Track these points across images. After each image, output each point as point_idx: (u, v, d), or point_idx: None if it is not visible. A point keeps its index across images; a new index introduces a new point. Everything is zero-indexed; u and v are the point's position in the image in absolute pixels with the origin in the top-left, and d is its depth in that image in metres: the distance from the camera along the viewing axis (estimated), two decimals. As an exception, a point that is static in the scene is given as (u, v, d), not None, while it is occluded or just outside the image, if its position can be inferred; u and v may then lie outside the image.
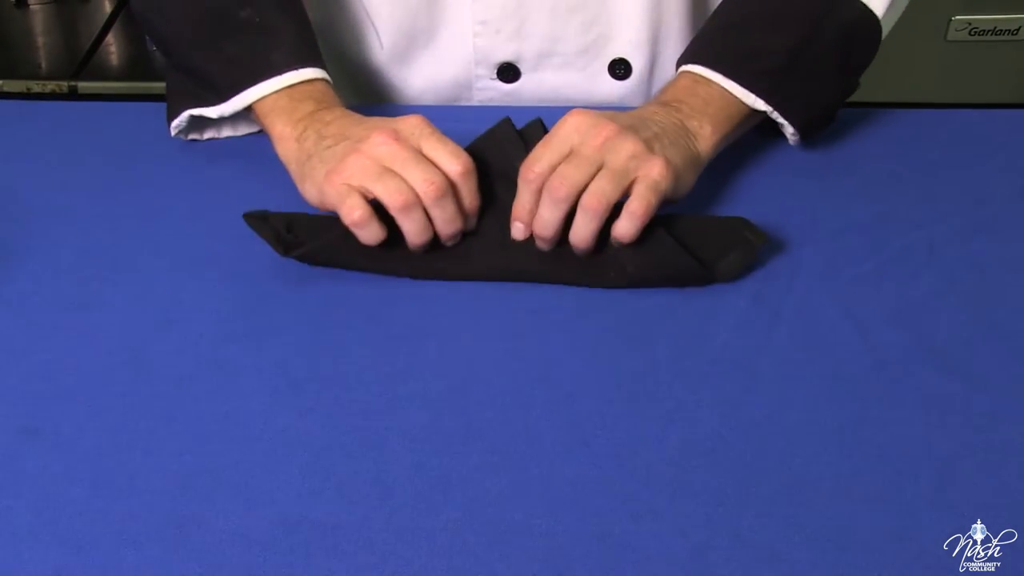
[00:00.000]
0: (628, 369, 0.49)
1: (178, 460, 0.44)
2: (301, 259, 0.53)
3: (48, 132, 0.65)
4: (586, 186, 0.50)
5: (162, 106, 0.66)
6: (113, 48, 1.36)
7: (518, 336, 0.50)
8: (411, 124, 0.52)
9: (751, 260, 0.53)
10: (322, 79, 0.58)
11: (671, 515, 0.42)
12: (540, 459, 0.44)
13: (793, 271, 0.54)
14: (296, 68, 0.57)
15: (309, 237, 0.53)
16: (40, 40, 1.36)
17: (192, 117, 0.61)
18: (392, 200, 0.50)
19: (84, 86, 1.28)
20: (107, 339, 0.50)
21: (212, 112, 0.59)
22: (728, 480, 0.43)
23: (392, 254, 0.52)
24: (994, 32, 1.38)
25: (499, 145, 0.55)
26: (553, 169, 0.51)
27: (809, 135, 0.61)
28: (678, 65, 0.61)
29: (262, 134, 0.62)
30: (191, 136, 0.63)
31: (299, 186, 0.55)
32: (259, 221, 0.53)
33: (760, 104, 0.57)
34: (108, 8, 1.42)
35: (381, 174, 0.50)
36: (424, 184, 0.50)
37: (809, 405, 0.47)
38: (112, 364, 0.49)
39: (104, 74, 1.30)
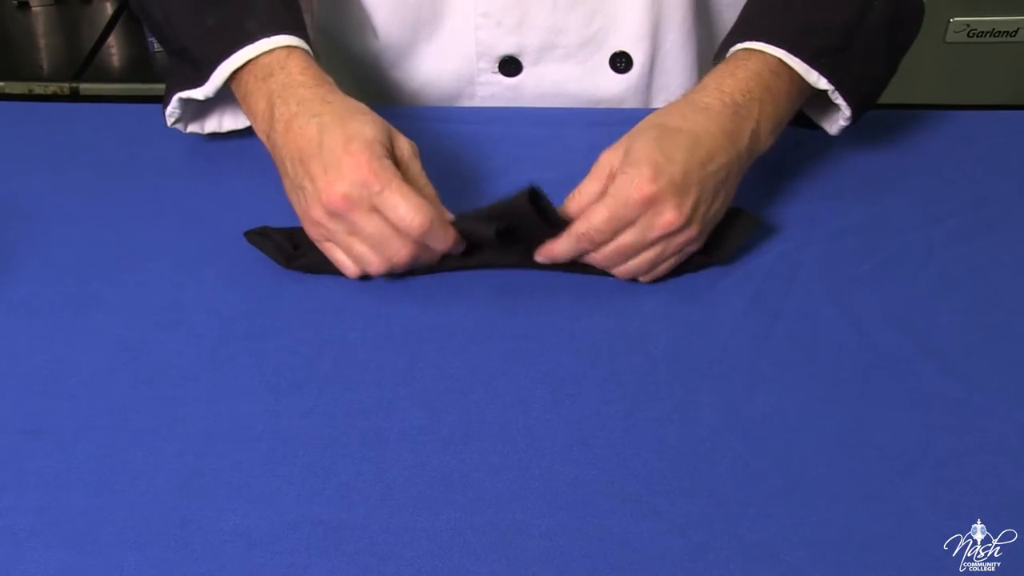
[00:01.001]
0: (627, 369, 0.49)
1: (180, 460, 0.44)
2: (302, 269, 0.53)
3: (50, 134, 0.65)
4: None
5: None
6: (114, 50, 1.36)
7: (517, 337, 0.50)
8: (353, 178, 0.48)
9: (745, 239, 0.54)
10: (295, 44, 0.55)
11: (670, 515, 0.42)
12: (540, 459, 0.44)
13: (792, 272, 0.54)
14: (269, 34, 0.54)
15: (309, 249, 0.53)
16: (42, 42, 1.36)
17: (188, 106, 0.59)
18: (348, 273, 0.52)
19: (86, 88, 1.28)
20: (109, 340, 0.50)
21: (198, 93, 0.56)
22: (727, 480, 0.43)
23: None
24: (992, 34, 1.38)
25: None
26: (600, 231, 0.50)
27: (857, 120, 0.58)
28: (729, 43, 0.57)
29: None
30: (191, 129, 0.61)
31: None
32: (259, 238, 0.53)
33: (823, 83, 0.55)
34: (110, 10, 1.42)
35: (332, 250, 0.52)
36: (375, 264, 0.51)
37: (808, 405, 0.47)
38: (114, 365, 0.49)
39: (106, 76, 1.30)
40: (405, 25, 0.68)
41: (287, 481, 0.43)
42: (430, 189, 0.51)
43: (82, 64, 1.31)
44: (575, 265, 0.53)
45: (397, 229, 0.49)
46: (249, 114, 0.56)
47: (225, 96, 0.58)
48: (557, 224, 0.50)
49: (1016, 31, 1.38)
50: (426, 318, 0.51)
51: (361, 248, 0.50)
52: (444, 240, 0.50)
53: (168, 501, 0.43)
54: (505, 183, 0.57)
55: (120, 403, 0.47)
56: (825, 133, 0.61)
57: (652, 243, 0.50)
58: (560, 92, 0.69)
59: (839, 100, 0.56)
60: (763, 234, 0.56)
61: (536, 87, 0.69)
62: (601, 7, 0.66)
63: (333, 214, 0.49)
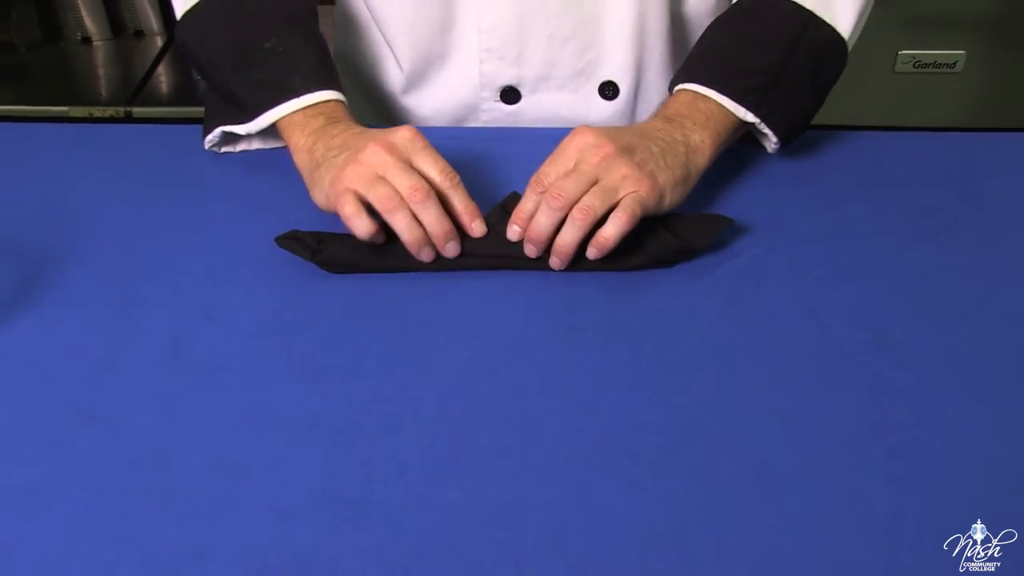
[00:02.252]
0: (617, 361, 0.48)
1: (216, 442, 0.44)
2: (327, 263, 0.53)
3: (107, 151, 0.65)
4: (579, 199, 0.50)
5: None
6: (163, 78, 1.36)
7: (519, 332, 0.50)
8: (404, 138, 0.52)
9: (717, 236, 0.54)
10: (336, 99, 0.58)
11: (654, 489, 0.42)
12: (538, 440, 0.44)
13: (762, 274, 0.53)
14: (313, 91, 0.57)
15: (331, 243, 0.53)
16: (101, 72, 1.37)
17: (224, 133, 0.61)
18: (380, 203, 0.50)
19: (138, 111, 1.28)
20: (153, 334, 0.50)
21: (241, 129, 0.59)
22: (705, 459, 0.43)
23: (400, 255, 0.52)
24: (935, 65, 1.39)
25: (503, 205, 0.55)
26: (547, 173, 0.52)
27: (787, 144, 0.61)
28: (673, 84, 0.60)
29: (287, 149, 0.62)
30: (224, 149, 0.63)
31: (310, 192, 0.55)
32: (288, 240, 0.53)
33: (750, 116, 0.57)
34: (159, 44, 1.42)
35: (373, 180, 0.50)
36: (408, 190, 0.50)
37: (776, 392, 0.46)
38: (157, 356, 0.48)
39: (155, 101, 1.30)
40: (418, 59, 0.68)
41: (312, 460, 0.43)
42: (472, 207, 0.53)
43: (135, 90, 1.31)
44: (572, 264, 0.53)
45: (427, 184, 0.50)
46: (291, 143, 0.57)
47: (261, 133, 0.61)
48: None
49: (955, 63, 1.39)
50: (436, 315, 0.51)
51: (382, 188, 0.50)
52: (461, 201, 0.52)
53: (205, 478, 0.42)
54: (505, 192, 0.57)
55: (163, 390, 0.46)
56: (791, 150, 0.61)
57: (588, 176, 0.50)
58: (554, 117, 0.69)
59: (766, 130, 0.58)
60: (736, 240, 0.56)
61: (533, 113, 0.69)
62: (591, 43, 0.66)
63: (374, 154, 0.50)
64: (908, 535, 0.39)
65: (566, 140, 0.52)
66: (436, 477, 0.42)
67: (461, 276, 0.53)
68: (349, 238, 0.53)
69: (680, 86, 0.59)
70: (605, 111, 0.69)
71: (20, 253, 0.55)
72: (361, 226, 0.50)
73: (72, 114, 1.27)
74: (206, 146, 0.62)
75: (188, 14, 0.61)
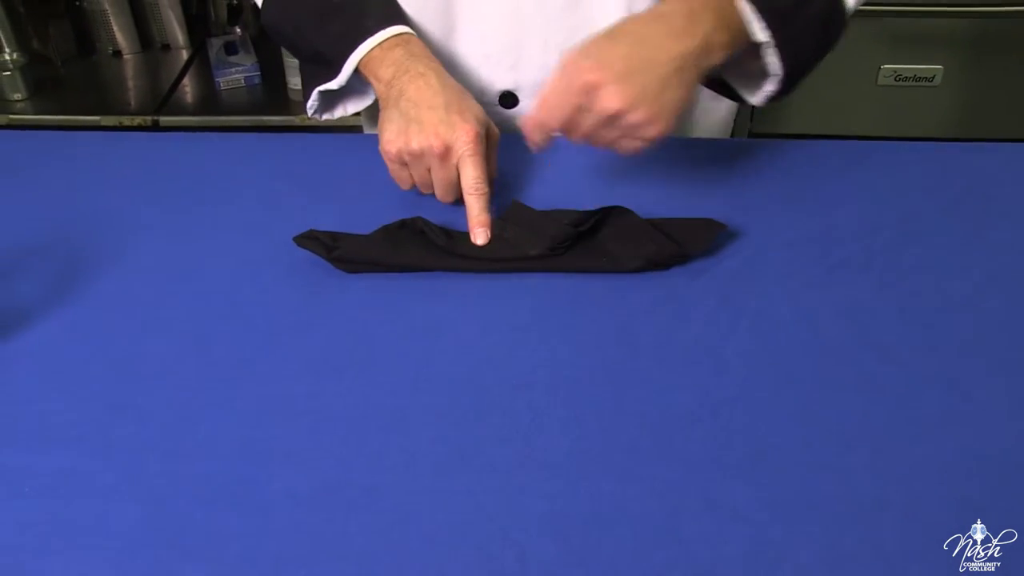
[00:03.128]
0: (615, 357, 0.48)
1: (238, 431, 0.44)
2: (341, 260, 0.52)
3: (135, 158, 0.65)
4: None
5: (227, 136, 0.66)
6: (188, 89, 1.36)
7: (522, 328, 0.50)
8: (461, 140, 0.52)
9: (712, 241, 0.53)
10: (408, 32, 0.57)
11: (650, 480, 0.41)
12: (540, 433, 0.44)
13: (754, 274, 0.53)
14: (385, 27, 0.57)
15: (344, 242, 0.52)
16: (130, 83, 1.37)
17: (321, 95, 0.61)
18: (416, 181, 0.55)
19: (165, 120, 1.28)
20: (179, 330, 0.50)
21: (333, 84, 0.58)
22: (699, 451, 0.43)
23: (411, 254, 0.52)
24: (915, 79, 1.39)
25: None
26: (551, 113, 0.50)
27: (784, 93, 0.54)
28: None
29: (311, 166, 0.61)
30: (325, 116, 0.63)
31: (379, 124, 0.56)
32: (306, 240, 0.53)
33: (763, 36, 0.50)
34: (185, 57, 1.42)
35: (417, 160, 0.54)
36: (437, 185, 0.54)
37: (767, 387, 0.46)
38: (184, 351, 0.48)
39: (181, 110, 1.30)
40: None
41: (327, 450, 0.43)
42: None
43: (162, 101, 1.31)
44: (574, 263, 0.52)
45: (459, 185, 0.53)
46: (373, 79, 0.57)
47: (350, 89, 0.61)
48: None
49: (933, 77, 1.39)
50: (444, 314, 0.51)
51: (424, 178, 0.54)
52: (478, 214, 0.53)
53: (228, 465, 0.42)
54: (506, 197, 0.57)
55: (188, 383, 0.46)
56: (781, 159, 0.60)
57: (605, 124, 0.49)
58: None
59: (773, 58, 0.51)
60: (730, 243, 0.55)
61: None
62: None
63: (422, 154, 0.53)
64: (908, 535, 0.38)
65: (565, 71, 0.49)
66: (444, 466, 0.42)
67: (468, 278, 0.53)
68: (363, 238, 0.53)
69: None
70: None
71: (55, 254, 0.55)
72: (403, 184, 0.55)
73: (103, 123, 1.27)
74: (308, 113, 0.62)
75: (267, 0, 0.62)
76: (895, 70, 1.38)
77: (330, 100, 0.63)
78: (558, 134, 0.52)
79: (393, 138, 0.54)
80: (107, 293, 0.52)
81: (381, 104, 0.57)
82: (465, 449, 0.43)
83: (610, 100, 0.47)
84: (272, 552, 0.39)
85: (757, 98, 0.56)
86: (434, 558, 0.38)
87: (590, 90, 0.48)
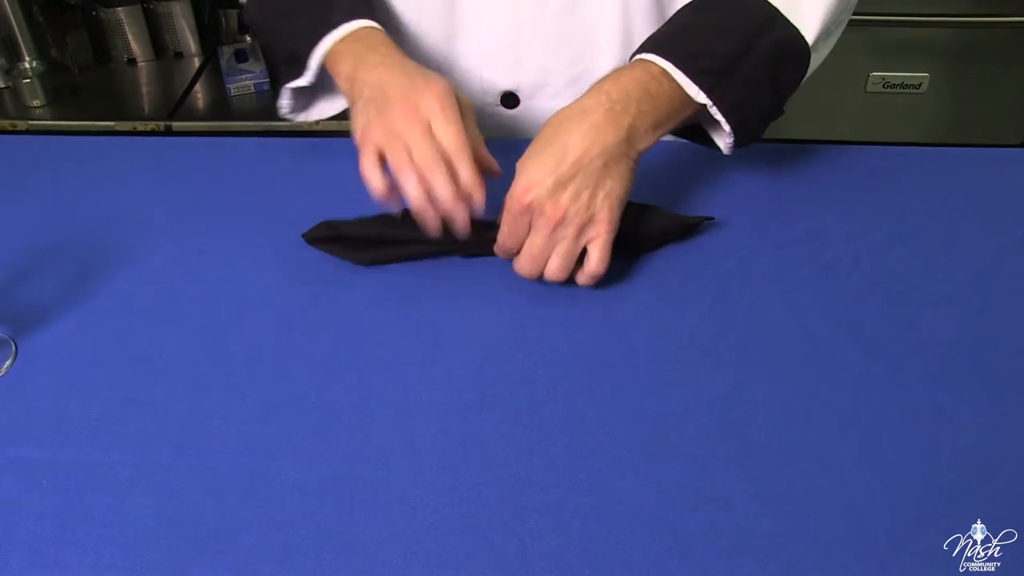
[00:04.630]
0: (613, 354, 0.48)
1: (247, 426, 0.44)
2: (351, 239, 0.52)
3: (149, 162, 0.64)
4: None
5: (237, 140, 0.65)
6: (200, 95, 1.36)
7: (523, 327, 0.49)
8: (429, 104, 0.48)
9: (692, 226, 0.54)
10: (371, 27, 0.55)
11: (647, 473, 0.41)
12: (541, 427, 0.43)
13: (747, 275, 0.53)
14: (349, 20, 0.54)
15: (356, 226, 0.52)
16: (144, 89, 1.37)
17: (295, 94, 0.59)
18: (393, 164, 0.48)
19: (177, 125, 1.28)
20: (191, 327, 0.49)
21: (302, 81, 0.56)
22: (693, 445, 0.42)
23: (417, 234, 0.51)
24: (902, 86, 1.39)
25: None
26: (508, 240, 0.50)
27: (741, 143, 0.54)
28: (633, 55, 0.54)
29: (318, 169, 0.61)
30: (300, 118, 0.61)
31: (351, 121, 0.53)
32: (314, 228, 0.53)
33: (702, 97, 0.51)
34: (197, 63, 1.42)
35: (392, 140, 0.49)
36: (419, 157, 0.48)
37: (759, 383, 0.46)
38: (195, 347, 0.48)
39: (193, 116, 1.30)
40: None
41: (334, 444, 0.43)
42: (477, 135, 0.50)
43: (174, 107, 1.31)
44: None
45: (442, 152, 0.48)
46: (336, 75, 0.55)
47: (322, 88, 0.58)
48: None
49: (920, 84, 1.39)
50: (447, 312, 0.51)
51: (397, 153, 0.48)
52: (466, 169, 0.48)
53: (238, 458, 0.42)
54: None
55: (199, 378, 0.46)
56: (773, 162, 0.60)
57: (553, 238, 0.48)
58: None
59: (718, 116, 0.52)
60: (723, 244, 0.55)
61: (531, 117, 0.68)
62: (583, 53, 0.65)
63: (399, 117, 0.48)
64: (907, 534, 0.38)
65: (507, 201, 0.48)
66: (447, 460, 0.42)
67: (470, 277, 0.53)
68: (369, 219, 0.52)
69: (638, 56, 0.53)
70: None
71: (71, 254, 0.55)
72: (374, 182, 0.48)
73: (118, 128, 1.27)
74: (281, 112, 0.60)
75: None
76: (883, 77, 1.38)
77: (305, 100, 0.61)
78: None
79: (362, 125, 0.50)
80: (121, 292, 0.52)
81: (348, 102, 0.53)
82: (468, 443, 0.43)
83: (550, 213, 0.48)
84: (281, 542, 0.38)
85: (723, 145, 0.56)
86: (437, 549, 0.38)
87: (530, 211, 0.48)
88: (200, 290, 0.52)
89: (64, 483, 0.41)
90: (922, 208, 0.59)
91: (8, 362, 0.48)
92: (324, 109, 0.62)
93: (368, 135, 0.50)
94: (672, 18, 0.57)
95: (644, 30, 0.64)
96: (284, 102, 0.59)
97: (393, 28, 0.67)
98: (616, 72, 0.52)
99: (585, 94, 0.51)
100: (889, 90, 1.39)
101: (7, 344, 0.48)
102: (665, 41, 0.54)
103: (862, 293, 0.52)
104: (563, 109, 0.50)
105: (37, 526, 0.39)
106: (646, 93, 0.50)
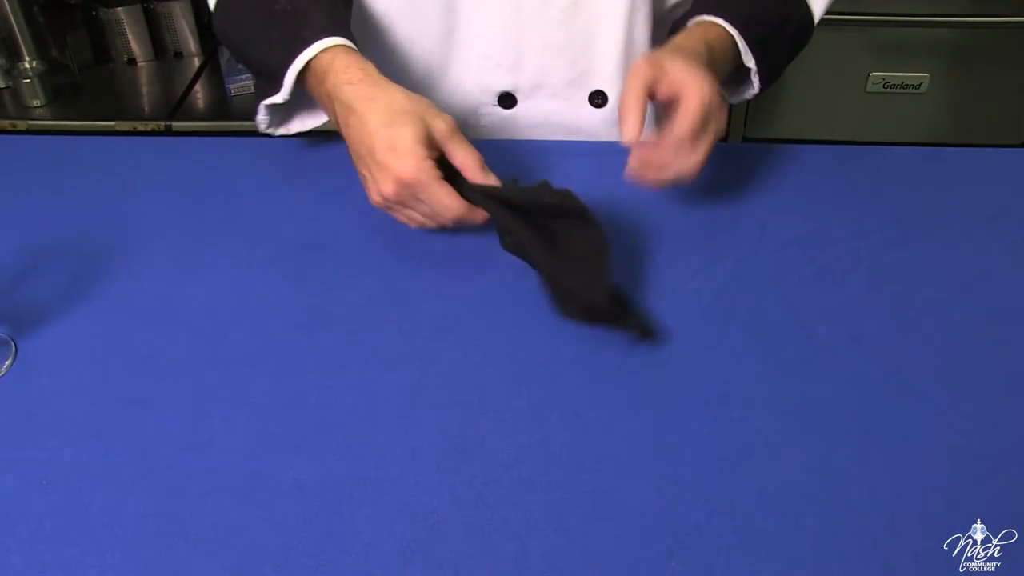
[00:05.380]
0: (613, 353, 0.47)
1: (248, 426, 0.44)
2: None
3: (149, 162, 0.64)
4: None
5: (237, 140, 0.65)
6: (200, 95, 1.36)
7: (523, 328, 0.49)
8: (408, 176, 0.48)
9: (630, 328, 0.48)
10: (344, 45, 0.54)
11: (648, 474, 0.41)
12: (541, 427, 0.43)
13: (747, 276, 0.53)
14: (322, 37, 0.53)
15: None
16: (144, 89, 1.37)
17: (274, 113, 0.58)
18: (405, 222, 0.53)
19: (177, 125, 1.28)
20: (192, 328, 0.49)
21: (277, 98, 0.55)
22: (694, 445, 0.42)
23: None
24: (902, 86, 1.39)
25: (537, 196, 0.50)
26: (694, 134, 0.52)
27: (748, 99, 0.62)
28: (694, 13, 0.59)
29: (318, 169, 0.61)
30: (280, 132, 0.60)
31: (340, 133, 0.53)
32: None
33: (752, 63, 0.57)
34: (197, 64, 1.42)
35: (393, 209, 0.52)
36: (421, 220, 0.52)
37: (760, 384, 0.46)
38: (196, 348, 0.48)
39: (193, 116, 1.30)
40: (420, 67, 0.67)
41: (335, 444, 0.43)
42: (475, 153, 0.50)
43: (175, 106, 1.31)
44: (535, 253, 0.49)
45: (438, 213, 0.50)
46: (313, 92, 0.56)
47: (299, 102, 0.58)
48: (570, 213, 0.49)
49: (920, 84, 1.39)
50: (448, 312, 0.51)
51: (416, 216, 0.52)
52: (475, 221, 0.51)
53: (238, 458, 0.42)
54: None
55: (200, 379, 0.46)
56: (773, 163, 0.60)
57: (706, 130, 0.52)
58: (548, 123, 0.68)
59: (755, 79, 0.58)
60: (723, 244, 0.55)
61: (528, 118, 0.68)
62: (582, 54, 0.65)
63: (392, 199, 0.50)
64: (907, 534, 0.38)
65: (700, 99, 0.50)
66: (447, 460, 0.42)
67: (470, 277, 0.53)
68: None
69: (707, 17, 0.58)
70: (594, 118, 0.68)
71: (71, 254, 0.55)
72: (410, 221, 0.52)
73: (118, 128, 1.27)
74: (260, 127, 0.59)
75: (218, 4, 0.60)
76: (883, 77, 1.37)
77: (284, 114, 0.60)
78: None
79: (369, 191, 0.52)
80: (121, 292, 0.52)
81: (331, 118, 0.54)
82: (468, 443, 0.43)
83: (721, 120, 0.52)
84: (281, 543, 0.38)
85: (734, 99, 0.62)
86: (438, 549, 0.38)
87: (709, 119, 0.52)
88: (200, 290, 0.52)
89: (64, 483, 0.41)
90: (923, 208, 0.59)
91: (8, 362, 0.48)
92: (305, 122, 0.61)
93: (371, 199, 0.52)
94: None
95: (644, 33, 0.65)
96: (260, 117, 0.59)
97: (389, 28, 0.67)
98: (703, 30, 0.57)
99: (689, 41, 0.55)
100: (889, 90, 1.39)
101: (7, 344, 0.49)
102: (726, 3, 0.58)
103: (862, 294, 0.52)
104: (686, 49, 0.54)
105: (37, 526, 0.39)
106: (722, 56, 0.56)
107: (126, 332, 0.49)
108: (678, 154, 0.52)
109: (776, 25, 0.58)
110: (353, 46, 0.55)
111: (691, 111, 0.50)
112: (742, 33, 0.56)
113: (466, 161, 0.50)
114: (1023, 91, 1.39)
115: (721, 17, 0.57)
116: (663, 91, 0.51)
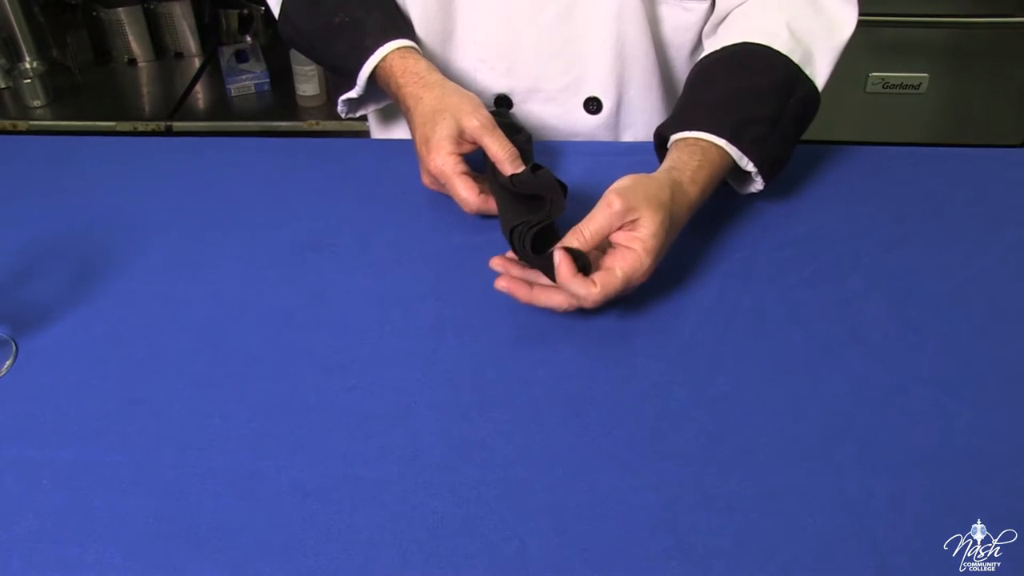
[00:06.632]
0: (613, 355, 0.47)
1: (248, 426, 0.44)
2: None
3: (149, 162, 0.64)
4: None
5: (237, 140, 0.66)
6: (200, 96, 1.36)
7: (523, 329, 0.49)
8: (435, 171, 0.55)
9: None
10: (405, 46, 0.60)
11: (647, 473, 0.41)
12: (541, 427, 0.43)
13: (747, 275, 0.53)
14: (382, 43, 0.59)
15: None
16: (144, 90, 1.37)
17: (350, 100, 0.64)
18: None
19: (177, 125, 1.28)
20: (192, 328, 0.49)
21: (352, 94, 0.62)
22: (694, 445, 0.42)
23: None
24: (902, 86, 1.39)
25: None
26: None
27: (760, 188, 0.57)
28: (677, 128, 0.55)
29: (318, 169, 0.61)
30: (360, 112, 0.67)
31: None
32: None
33: (750, 167, 0.54)
34: (197, 64, 1.42)
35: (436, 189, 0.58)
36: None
37: (760, 383, 0.46)
38: (196, 348, 0.48)
39: (193, 116, 1.30)
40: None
41: (335, 444, 0.43)
42: (507, 147, 0.54)
43: (175, 107, 1.31)
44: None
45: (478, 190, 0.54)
46: (384, 89, 0.61)
47: (372, 89, 0.63)
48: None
49: (919, 84, 1.39)
50: (448, 312, 0.51)
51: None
52: (492, 212, 0.54)
53: (239, 458, 0.42)
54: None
55: (201, 379, 0.46)
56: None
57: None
58: (544, 126, 0.68)
59: (758, 179, 0.55)
60: (723, 244, 0.55)
61: (524, 121, 0.68)
62: (575, 61, 0.65)
63: (429, 186, 0.58)
64: (907, 534, 0.38)
65: (641, 258, 0.47)
66: (447, 460, 0.42)
67: (470, 277, 0.53)
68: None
69: (689, 134, 0.54)
70: (589, 124, 0.68)
71: (72, 254, 0.55)
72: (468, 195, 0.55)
73: (118, 128, 1.27)
74: (342, 115, 0.66)
75: (281, 14, 0.65)
76: (883, 78, 1.37)
77: (356, 102, 0.66)
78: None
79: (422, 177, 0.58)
80: (122, 292, 0.52)
81: (402, 110, 0.60)
82: (468, 443, 0.43)
83: (644, 276, 0.47)
84: (281, 542, 0.38)
85: (743, 191, 0.58)
86: (437, 548, 0.38)
87: (647, 266, 0.47)
88: (200, 289, 0.52)
89: (64, 483, 0.41)
90: (922, 208, 0.59)
91: (8, 362, 0.48)
92: (378, 104, 0.67)
93: (424, 179, 0.58)
94: (703, 81, 0.58)
95: (636, 41, 0.65)
96: (340, 108, 0.66)
97: None
98: (692, 155, 0.53)
99: (686, 182, 0.51)
100: (889, 90, 1.39)
101: (7, 344, 0.48)
102: (709, 116, 0.54)
103: (862, 293, 0.52)
104: (673, 180, 0.50)
105: (38, 526, 0.39)
106: (716, 173, 0.53)
107: (126, 332, 0.49)
108: (568, 296, 0.47)
109: (773, 118, 0.54)
110: (409, 43, 0.61)
111: (614, 278, 0.46)
112: (732, 142, 0.53)
113: (498, 154, 0.54)
114: (1023, 91, 1.39)
115: (706, 132, 0.53)
116: (612, 237, 0.48)
